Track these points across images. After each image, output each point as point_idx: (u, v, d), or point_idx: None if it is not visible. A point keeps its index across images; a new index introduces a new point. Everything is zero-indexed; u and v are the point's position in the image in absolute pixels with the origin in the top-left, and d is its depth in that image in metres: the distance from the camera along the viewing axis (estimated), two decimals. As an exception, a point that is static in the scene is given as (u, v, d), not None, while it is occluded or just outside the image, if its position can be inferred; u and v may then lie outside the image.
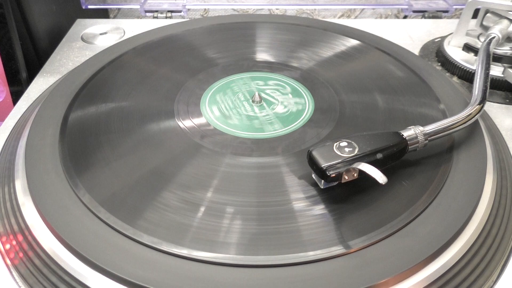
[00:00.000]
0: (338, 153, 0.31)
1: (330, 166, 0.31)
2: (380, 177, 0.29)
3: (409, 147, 0.33)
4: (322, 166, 0.31)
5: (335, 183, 0.32)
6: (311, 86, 0.44)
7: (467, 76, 0.50)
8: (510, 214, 0.34)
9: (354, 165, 0.30)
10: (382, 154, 0.32)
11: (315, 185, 0.33)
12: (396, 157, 0.33)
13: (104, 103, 0.42)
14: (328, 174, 0.31)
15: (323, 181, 0.32)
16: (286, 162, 0.35)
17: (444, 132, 0.35)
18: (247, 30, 0.54)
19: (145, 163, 0.35)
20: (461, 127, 0.36)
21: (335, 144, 0.32)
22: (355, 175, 0.31)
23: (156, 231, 0.30)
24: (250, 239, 0.29)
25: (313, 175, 0.33)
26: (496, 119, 0.44)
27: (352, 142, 0.32)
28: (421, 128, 0.34)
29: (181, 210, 0.31)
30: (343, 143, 0.32)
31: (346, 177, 0.31)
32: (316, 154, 0.32)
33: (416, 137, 0.34)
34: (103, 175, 0.34)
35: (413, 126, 0.34)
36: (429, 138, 0.34)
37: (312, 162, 0.32)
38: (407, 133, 0.34)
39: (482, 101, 0.38)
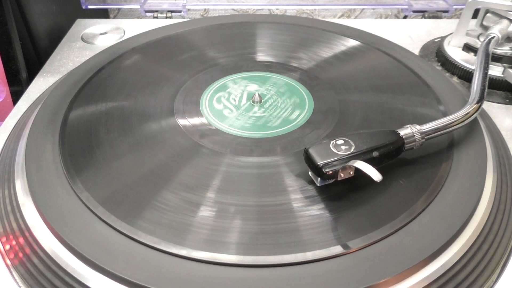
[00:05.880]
0: (335, 151, 0.32)
1: (326, 164, 0.31)
2: (375, 175, 0.29)
3: (406, 145, 0.34)
4: (318, 163, 0.31)
5: (332, 181, 0.32)
6: (311, 86, 0.44)
7: (467, 76, 0.50)
8: (510, 214, 0.34)
9: (350, 163, 0.31)
10: (379, 152, 0.32)
11: (314, 184, 0.33)
12: (392, 156, 0.33)
13: (104, 103, 0.42)
14: (324, 172, 0.31)
15: (319, 178, 0.32)
16: (285, 162, 0.35)
17: (441, 131, 0.35)
18: (247, 30, 0.54)
19: (144, 162, 0.35)
20: (458, 126, 0.36)
21: (331, 142, 0.32)
22: (351, 172, 0.32)
23: (155, 230, 0.30)
24: (250, 238, 0.30)
25: (309, 173, 0.33)
26: (496, 119, 0.44)
27: (349, 140, 0.32)
28: (418, 127, 0.34)
29: (181, 210, 0.31)
30: (340, 141, 0.32)
31: (342, 175, 0.31)
32: (312, 151, 0.32)
33: (413, 136, 0.34)
34: (103, 175, 0.34)
35: (410, 125, 0.34)
36: (426, 137, 0.34)
37: (309, 160, 0.32)
38: (404, 131, 0.34)
39: (480, 100, 0.38)
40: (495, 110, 0.46)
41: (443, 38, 0.56)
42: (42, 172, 0.34)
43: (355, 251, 0.29)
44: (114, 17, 0.85)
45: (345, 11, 0.86)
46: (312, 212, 0.31)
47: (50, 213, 0.31)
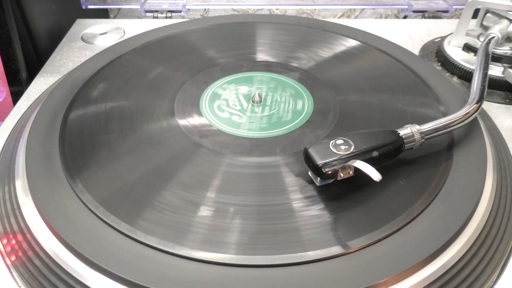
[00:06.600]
0: (334, 150, 0.32)
1: (326, 164, 0.31)
2: (374, 175, 0.29)
3: (405, 145, 0.34)
4: (318, 163, 0.31)
5: (331, 181, 0.32)
6: (310, 86, 0.44)
7: (467, 76, 0.50)
8: (510, 214, 0.34)
9: (350, 163, 0.31)
10: (378, 152, 0.32)
11: (314, 184, 0.33)
12: (392, 155, 0.33)
13: (104, 103, 0.42)
14: (324, 172, 0.31)
15: (319, 178, 0.32)
16: (285, 162, 0.35)
17: (441, 131, 0.35)
18: (247, 30, 0.54)
19: (145, 163, 0.35)
20: (458, 126, 0.36)
21: (331, 141, 0.32)
22: (351, 172, 0.32)
23: (155, 230, 0.30)
24: (250, 238, 0.30)
25: (309, 172, 0.33)
26: (496, 119, 0.44)
27: (348, 140, 0.32)
28: (417, 126, 0.34)
29: (181, 210, 0.31)
30: (339, 141, 0.32)
31: (342, 175, 0.31)
32: (312, 151, 0.32)
33: (413, 136, 0.34)
34: (103, 175, 0.34)
35: (409, 125, 0.34)
36: (425, 137, 0.34)
37: (308, 160, 0.32)
38: (404, 131, 0.34)
39: (480, 100, 0.38)
40: (495, 110, 0.46)
41: (443, 38, 0.56)
42: (42, 172, 0.34)
43: (355, 251, 0.29)
44: (114, 17, 0.85)
45: (345, 11, 0.86)
46: (312, 212, 0.31)
47: (50, 213, 0.31)
